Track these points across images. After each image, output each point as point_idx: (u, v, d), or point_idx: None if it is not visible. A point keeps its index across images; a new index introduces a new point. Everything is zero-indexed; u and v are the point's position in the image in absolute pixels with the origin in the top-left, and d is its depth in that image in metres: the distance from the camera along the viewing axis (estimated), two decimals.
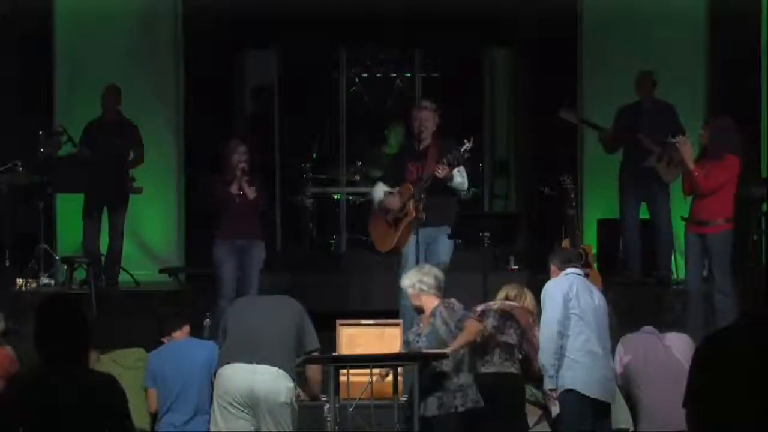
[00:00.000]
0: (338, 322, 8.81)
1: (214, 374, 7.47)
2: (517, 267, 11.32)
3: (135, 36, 12.09)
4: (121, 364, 7.90)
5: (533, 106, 12.63)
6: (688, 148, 9.36)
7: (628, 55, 11.75)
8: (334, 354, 8.32)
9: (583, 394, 7.53)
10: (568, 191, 10.26)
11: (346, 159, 12.89)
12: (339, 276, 11.37)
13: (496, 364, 7.74)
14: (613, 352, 7.90)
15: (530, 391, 7.91)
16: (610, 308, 7.90)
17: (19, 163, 10.85)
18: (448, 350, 7.42)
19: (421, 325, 7.74)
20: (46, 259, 10.93)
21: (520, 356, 7.84)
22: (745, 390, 4.26)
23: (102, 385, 4.63)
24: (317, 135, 12.99)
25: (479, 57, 13.32)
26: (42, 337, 4.63)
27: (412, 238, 9.31)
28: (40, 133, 11.01)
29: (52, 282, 10.88)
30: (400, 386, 7.64)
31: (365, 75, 13.66)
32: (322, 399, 7.85)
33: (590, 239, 11.32)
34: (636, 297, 10.14)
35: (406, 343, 7.86)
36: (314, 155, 12.81)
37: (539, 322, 7.79)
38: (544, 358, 7.60)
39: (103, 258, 11.20)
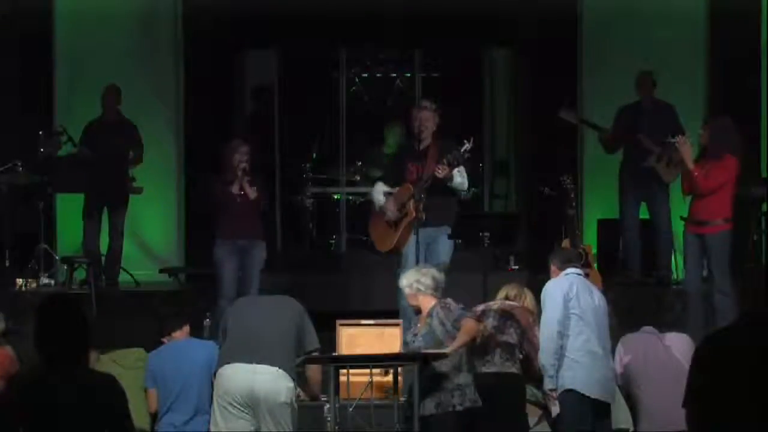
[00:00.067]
0: (338, 322, 8.81)
1: (214, 374, 7.47)
2: (517, 267, 11.32)
3: (135, 36, 12.09)
4: (121, 364, 7.90)
5: (533, 106, 12.64)
6: (687, 148, 9.36)
7: (628, 55, 11.75)
8: (334, 354, 8.32)
9: (583, 394, 7.53)
10: (568, 191, 10.26)
11: (346, 159, 12.89)
12: (339, 276, 11.37)
13: (496, 364, 7.75)
14: (613, 352, 7.90)
15: (531, 391, 7.91)
16: (610, 308, 7.90)
17: (19, 163, 10.85)
18: (447, 350, 7.43)
19: (418, 325, 7.75)
20: (46, 259, 10.93)
21: (521, 356, 7.84)
22: (745, 390, 4.26)
23: (102, 385, 4.63)
24: (317, 135, 12.99)
25: (479, 57, 13.32)
26: (42, 337, 4.63)
27: (412, 238, 9.31)
28: (40, 133, 11.02)
29: (52, 282, 10.88)
30: (400, 386, 7.65)
31: (365, 75, 13.66)
32: (322, 399, 7.85)
33: (590, 239, 11.32)
34: (636, 297, 10.14)
35: (404, 343, 7.87)
36: (314, 155, 12.81)
37: (539, 322, 7.79)
38: (544, 358, 7.60)
39: (103, 258, 11.20)
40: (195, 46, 12.17)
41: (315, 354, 7.51)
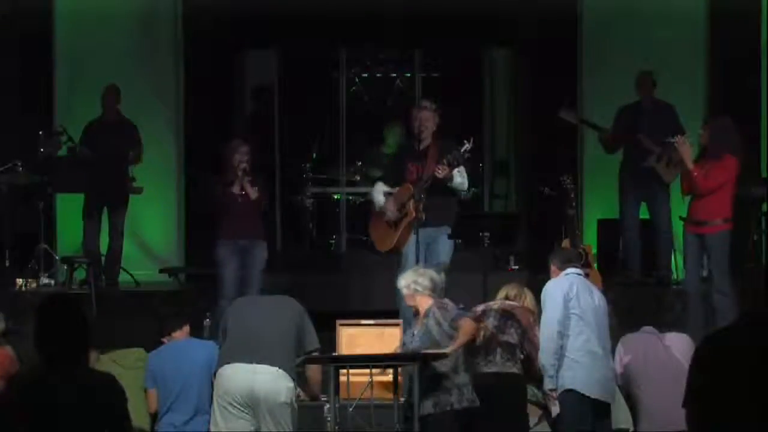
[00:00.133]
0: (338, 322, 8.82)
1: (214, 374, 7.47)
2: (517, 267, 11.32)
3: (135, 36, 12.09)
4: (121, 364, 7.90)
5: (533, 106, 12.64)
6: (686, 148, 9.36)
7: (628, 55, 11.75)
8: (334, 354, 8.32)
9: (583, 394, 7.53)
10: (568, 191, 10.26)
11: (346, 159, 12.89)
12: (339, 276, 11.37)
13: (498, 364, 7.75)
14: (613, 352, 7.90)
15: (531, 391, 7.91)
16: (610, 308, 7.90)
17: (19, 163, 10.86)
18: (448, 350, 7.44)
19: (416, 326, 7.76)
20: (46, 259, 10.93)
21: (522, 356, 7.84)
22: (745, 390, 4.26)
23: (102, 385, 4.63)
24: (317, 135, 12.99)
25: (479, 57, 13.33)
26: (42, 337, 4.62)
27: (412, 238, 9.31)
28: (40, 133, 11.02)
29: (52, 282, 10.88)
30: (400, 386, 7.65)
31: (365, 75, 13.67)
32: (322, 399, 7.86)
33: (590, 239, 11.32)
34: (636, 297, 10.14)
35: (403, 344, 7.88)
36: (314, 155, 12.81)
37: (539, 322, 7.79)
38: (544, 358, 7.60)
39: (103, 258, 11.20)
40: (195, 46, 12.17)
41: (315, 354, 7.51)
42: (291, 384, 7.30)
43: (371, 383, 7.42)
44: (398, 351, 7.80)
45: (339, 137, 13.00)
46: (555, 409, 7.67)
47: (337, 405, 7.43)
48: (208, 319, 8.86)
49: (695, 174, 9.24)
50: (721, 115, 10.07)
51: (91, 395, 4.56)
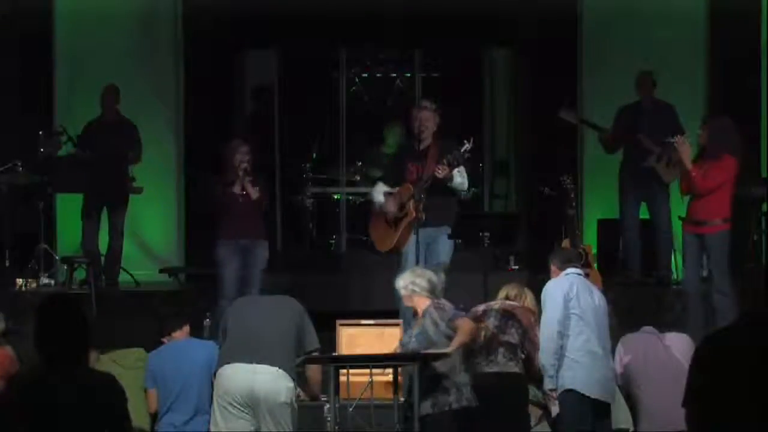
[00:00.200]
0: (338, 322, 8.82)
1: (214, 374, 7.47)
2: (517, 267, 11.32)
3: (135, 36, 12.09)
4: (121, 364, 7.90)
5: (533, 106, 12.64)
6: (686, 148, 9.35)
7: (628, 55, 11.75)
8: (334, 354, 8.33)
9: (583, 394, 7.53)
10: (568, 191, 10.26)
11: (346, 159, 12.89)
12: (339, 276, 11.37)
13: (499, 364, 7.75)
14: (613, 352, 7.90)
15: (531, 391, 7.91)
16: (610, 308, 7.90)
17: (19, 163, 10.85)
18: (448, 350, 7.45)
19: (414, 326, 7.78)
20: (46, 259, 10.93)
21: (523, 356, 7.84)
22: (745, 390, 4.26)
23: (102, 384, 4.63)
24: (317, 135, 12.99)
25: (479, 57, 13.33)
26: (42, 337, 4.62)
27: (412, 238, 9.31)
28: (40, 133, 11.01)
29: (52, 282, 10.87)
30: (400, 386, 7.66)
31: (365, 75, 13.66)
32: (322, 399, 7.86)
33: (590, 239, 11.32)
34: (636, 297, 10.14)
35: (401, 344, 7.88)
36: (314, 155, 12.81)
37: (540, 321, 7.79)
38: (544, 358, 7.60)
39: (102, 258, 11.20)
40: (195, 46, 12.17)
41: (315, 354, 7.51)
42: (291, 384, 7.30)
43: (371, 383, 7.42)
44: (397, 351, 7.80)
45: (339, 137, 13.00)
46: (555, 409, 7.68)
47: (337, 405, 7.43)
48: (208, 319, 8.86)
49: (694, 174, 9.24)
50: (721, 115, 10.07)
51: (91, 395, 4.56)
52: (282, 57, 13.05)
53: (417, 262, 9.00)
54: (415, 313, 7.84)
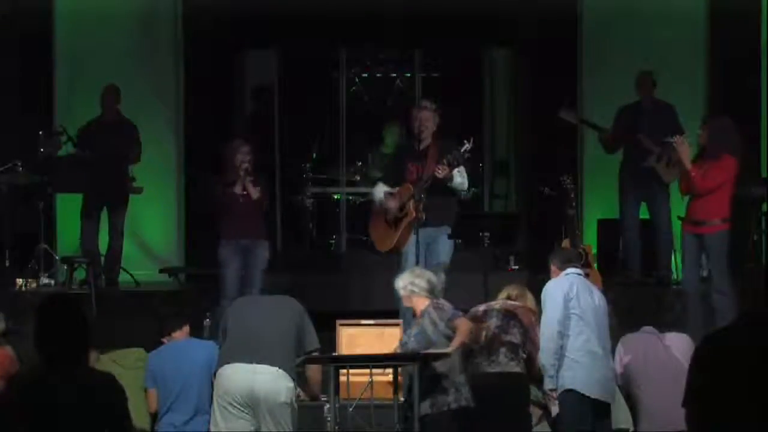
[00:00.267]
0: (338, 322, 8.82)
1: (214, 374, 7.47)
2: (517, 267, 11.32)
3: (135, 36, 12.09)
4: (121, 364, 7.90)
5: (533, 106, 12.64)
6: (685, 148, 9.35)
7: (628, 55, 11.75)
8: (334, 354, 8.33)
9: (583, 394, 7.53)
10: (568, 191, 10.26)
11: (346, 159, 12.89)
12: (339, 276, 11.37)
13: (501, 364, 7.75)
14: (613, 352, 7.90)
15: (532, 391, 7.91)
16: (610, 308, 7.89)
17: (19, 163, 10.85)
18: (448, 349, 7.45)
19: (414, 326, 7.78)
20: (46, 259, 10.92)
21: (524, 356, 7.84)
22: (745, 390, 4.26)
23: (102, 384, 4.63)
24: (317, 135, 12.99)
25: (479, 57, 13.33)
26: (42, 337, 4.63)
27: (412, 238, 9.31)
28: (40, 133, 11.01)
29: (52, 282, 10.87)
30: (400, 386, 7.66)
31: (365, 75, 13.67)
32: (322, 399, 7.86)
33: (590, 239, 11.32)
34: (636, 297, 10.14)
35: (401, 344, 7.88)
36: (314, 155, 12.81)
37: (540, 322, 7.79)
38: (545, 358, 7.60)
39: (102, 258, 11.20)
40: (195, 46, 12.17)
41: (315, 354, 7.51)
42: (291, 384, 7.30)
43: (371, 383, 7.42)
44: (397, 351, 7.81)
45: (339, 137, 13.00)
46: (555, 409, 7.68)
47: (337, 405, 7.44)
48: (208, 319, 8.86)
49: (693, 174, 9.24)
50: (720, 115, 10.07)
51: (91, 395, 4.56)
52: (282, 57, 13.05)
53: (417, 262, 9.00)
54: (414, 314, 7.84)
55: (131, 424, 4.75)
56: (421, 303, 7.72)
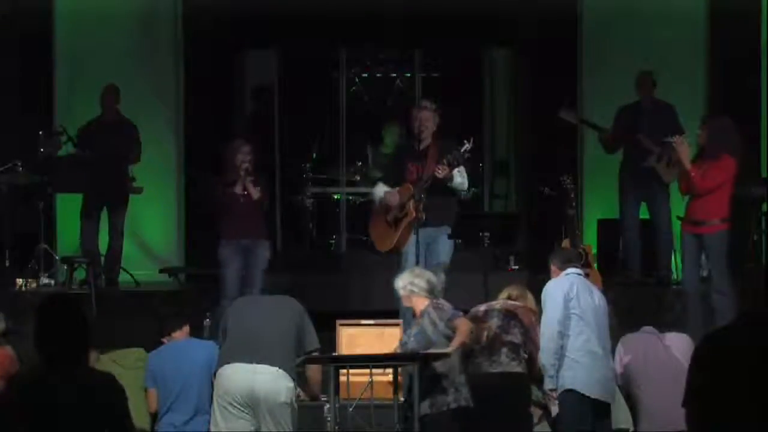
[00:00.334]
0: (338, 322, 8.82)
1: (214, 374, 7.47)
2: (517, 267, 11.31)
3: (135, 36, 12.09)
4: (121, 364, 7.90)
5: (533, 106, 12.64)
6: (684, 148, 9.35)
7: (628, 55, 11.75)
8: (334, 354, 8.33)
9: (583, 394, 7.53)
10: (568, 191, 10.26)
11: (346, 159, 12.89)
12: (339, 276, 11.37)
13: (503, 364, 7.75)
14: (613, 352, 7.90)
15: (533, 391, 7.91)
16: (610, 308, 7.90)
17: (19, 163, 10.85)
18: (449, 349, 7.45)
19: (414, 326, 7.79)
20: (46, 259, 10.93)
21: (525, 356, 7.84)
22: (745, 390, 4.26)
23: (102, 384, 4.63)
24: (317, 135, 12.99)
25: (479, 57, 13.33)
26: (42, 337, 4.63)
27: (412, 238, 9.31)
28: (40, 133, 11.01)
29: (52, 282, 10.87)
30: (400, 386, 7.66)
31: (365, 75, 13.66)
32: (322, 399, 7.86)
33: (590, 239, 11.32)
34: (636, 297, 10.14)
35: (401, 344, 7.88)
36: (314, 155, 12.81)
37: (540, 322, 7.79)
38: (545, 358, 7.60)
39: (102, 258, 11.20)
40: (195, 46, 12.17)
41: (315, 354, 7.51)
42: (291, 384, 7.30)
43: (371, 383, 7.42)
44: (397, 351, 7.81)
45: (339, 137, 13.00)
46: (555, 409, 7.68)
47: (337, 405, 7.44)
48: (208, 319, 8.86)
49: (693, 174, 9.24)
50: (720, 115, 10.07)
51: (91, 395, 4.56)
52: (282, 57, 13.05)
53: (417, 262, 9.00)
54: (414, 314, 7.84)
55: (131, 424, 4.75)
56: (420, 303, 7.72)
